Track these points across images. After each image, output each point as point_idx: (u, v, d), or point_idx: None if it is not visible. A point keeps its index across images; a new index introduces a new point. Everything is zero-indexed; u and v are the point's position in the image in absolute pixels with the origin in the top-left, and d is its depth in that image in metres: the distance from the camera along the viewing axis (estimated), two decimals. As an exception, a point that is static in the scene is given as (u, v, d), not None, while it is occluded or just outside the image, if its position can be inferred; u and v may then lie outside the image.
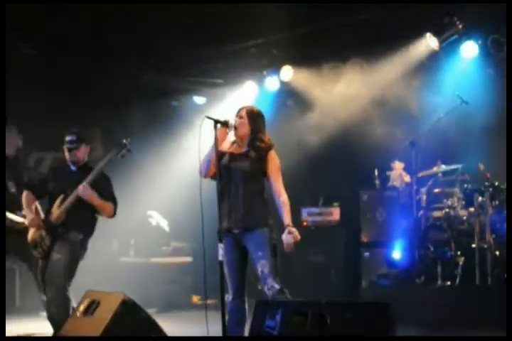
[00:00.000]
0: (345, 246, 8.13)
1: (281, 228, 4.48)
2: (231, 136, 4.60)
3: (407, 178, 7.65)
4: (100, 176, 5.26)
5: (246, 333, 4.18)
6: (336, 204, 8.31)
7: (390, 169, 7.93)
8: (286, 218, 4.44)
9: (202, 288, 4.79)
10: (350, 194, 8.13)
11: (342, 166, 8.34)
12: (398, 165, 7.84)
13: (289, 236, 4.39)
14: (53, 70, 8.53)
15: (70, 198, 5.17)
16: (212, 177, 4.50)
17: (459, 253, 6.64)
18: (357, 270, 7.77)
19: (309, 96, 8.51)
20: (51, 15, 7.31)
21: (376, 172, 7.89)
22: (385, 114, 7.95)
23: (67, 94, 8.91)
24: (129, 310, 4.54)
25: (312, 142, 8.50)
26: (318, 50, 8.21)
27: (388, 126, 7.91)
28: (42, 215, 5.41)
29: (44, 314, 5.31)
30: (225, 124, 4.45)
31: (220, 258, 4.21)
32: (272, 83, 8.87)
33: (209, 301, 5.13)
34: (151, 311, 4.99)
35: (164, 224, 7.62)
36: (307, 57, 8.38)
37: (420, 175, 7.25)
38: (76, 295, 5.14)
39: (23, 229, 5.46)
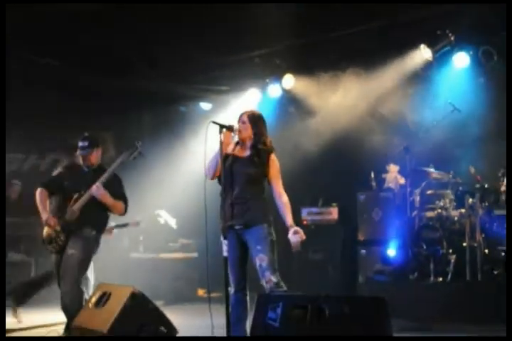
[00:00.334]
0: (343, 244, 8.10)
1: (283, 227, 4.47)
2: (235, 138, 4.60)
3: (402, 180, 7.63)
4: (113, 177, 5.25)
5: (248, 325, 4.16)
6: (334, 204, 8.30)
7: (386, 172, 7.92)
8: (289, 218, 4.43)
9: (207, 281, 4.78)
10: (348, 195, 8.11)
11: (340, 169, 8.32)
12: (393, 168, 7.83)
13: (296, 236, 4.37)
14: (72, 79, 8.62)
15: (84, 197, 5.17)
16: (219, 179, 4.51)
17: (450, 251, 6.63)
18: (354, 266, 7.74)
19: (309, 103, 8.51)
20: (72, 32, 7.39)
21: (372, 175, 7.87)
22: (381, 121, 7.93)
23: (83, 100, 8.97)
24: (138, 302, 4.54)
25: (311, 147, 8.48)
26: (318, 60, 8.22)
27: (384, 132, 7.90)
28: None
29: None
30: (230, 129, 4.47)
31: (225, 253, 4.20)
32: (274, 90, 8.87)
33: (213, 294, 5.13)
34: (158, 303, 4.97)
35: (172, 222, 7.61)
36: (307, 66, 8.39)
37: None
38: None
39: None
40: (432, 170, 7.13)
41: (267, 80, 8.86)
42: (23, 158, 9.56)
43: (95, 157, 5.37)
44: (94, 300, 4.78)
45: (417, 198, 7.21)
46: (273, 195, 4.52)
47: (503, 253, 6.38)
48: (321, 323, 3.59)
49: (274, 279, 4.33)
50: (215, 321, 4.34)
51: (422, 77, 7.87)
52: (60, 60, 8.19)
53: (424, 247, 6.78)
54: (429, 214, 7.06)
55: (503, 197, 6.57)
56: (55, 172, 5.84)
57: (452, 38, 7.40)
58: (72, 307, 5.02)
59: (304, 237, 4.39)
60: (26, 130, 8.84)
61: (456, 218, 6.83)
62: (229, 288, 4.28)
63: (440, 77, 7.81)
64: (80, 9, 6.92)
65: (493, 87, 7.49)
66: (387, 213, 7.68)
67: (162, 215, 7.48)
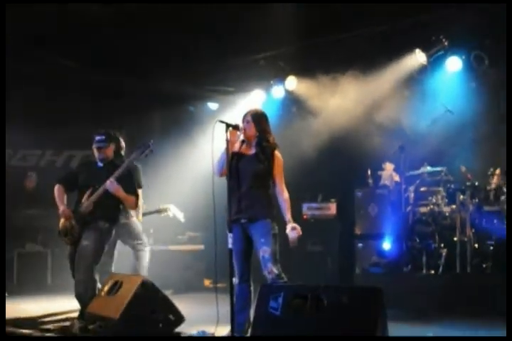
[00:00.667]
0: (340, 237, 8.10)
1: (284, 221, 4.48)
2: (241, 137, 4.60)
3: (397, 178, 7.62)
4: (125, 172, 5.26)
5: (252, 313, 4.18)
6: (333, 200, 8.29)
7: (382, 169, 7.90)
8: (287, 214, 4.47)
9: (213, 272, 4.79)
10: (346, 191, 8.10)
11: (339, 167, 8.32)
12: (389, 166, 7.82)
13: (293, 231, 4.41)
14: (90, 81, 8.69)
15: (98, 191, 5.18)
16: (227, 176, 4.51)
17: (442, 245, 6.63)
18: (351, 259, 7.73)
19: (310, 104, 8.49)
20: (86, 33, 7.40)
21: (369, 172, 7.85)
22: (378, 121, 7.92)
23: (98, 100, 9.00)
24: (147, 290, 4.56)
25: (312, 145, 8.46)
26: (319, 62, 8.20)
27: (380, 133, 7.89)
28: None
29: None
30: (236, 127, 4.49)
31: (230, 246, 4.22)
32: (277, 91, 8.85)
33: (219, 284, 5.13)
34: (167, 292, 4.99)
35: (180, 216, 7.59)
36: (309, 69, 8.37)
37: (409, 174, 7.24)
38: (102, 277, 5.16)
39: None
40: (426, 168, 7.13)
41: (271, 82, 8.84)
42: (40, 154, 9.58)
43: (110, 151, 5.39)
44: (106, 288, 4.80)
45: (411, 195, 7.22)
46: (275, 191, 4.53)
47: (491, 248, 6.38)
48: (320, 312, 3.61)
49: (275, 270, 4.36)
50: (221, 309, 4.36)
51: (416, 79, 7.86)
52: (77, 61, 8.21)
53: (418, 241, 6.78)
54: (423, 209, 7.06)
55: (492, 195, 6.58)
56: (70, 169, 5.85)
57: (446, 43, 7.39)
58: (85, 295, 5.04)
59: (301, 233, 4.43)
60: (43, 128, 8.87)
61: (447, 214, 6.83)
62: (233, 279, 4.29)
63: (434, 80, 7.79)
64: (91, 10, 6.95)
65: (484, 90, 7.48)
66: (382, 209, 7.67)
67: (171, 209, 7.46)
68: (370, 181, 7.87)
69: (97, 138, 5.34)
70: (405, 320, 5.38)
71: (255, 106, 8.53)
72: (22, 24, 6.89)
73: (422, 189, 7.19)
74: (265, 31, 7.02)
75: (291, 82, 8.58)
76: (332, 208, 8.25)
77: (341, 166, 8.30)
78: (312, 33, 7.35)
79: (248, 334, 4.23)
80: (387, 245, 7.29)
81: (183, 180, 8.82)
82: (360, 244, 7.76)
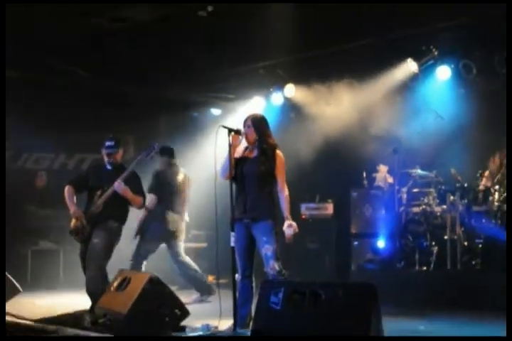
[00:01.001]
0: (337, 236, 8.08)
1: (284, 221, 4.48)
2: (244, 143, 4.60)
3: (391, 179, 7.62)
4: (132, 174, 5.26)
5: (253, 308, 4.17)
6: (330, 200, 8.27)
7: (376, 171, 7.90)
8: (286, 212, 4.49)
9: (216, 269, 4.77)
10: (342, 192, 8.09)
11: (335, 169, 8.30)
12: (383, 168, 7.81)
13: (290, 229, 4.42)
14: (100, 89, 8.74)
15: (108, 192, 5.18)
16: (232, 179, 4.50)
17: (433, 243, 6.63)
18: (347, 256, 7.72)
19: (308, 110, 8.48)
20: (97, 43, 7.44)
21: (364, 174, 7.85)
22: (372, 126, 7.91)
23: (108, 107, 9.03)
24: (155, 286, 4.54)
25: (310, 149, 8.45)
26: (317, 71, 8.20)
27: (374, 137, 7.88)
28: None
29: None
30: (238, 132, 4.48)
31: (232, 244, 4.24)
32: (277, 98, 8.83)
33: (222, 280, 5.11)
34: (173, 288, 4.97)
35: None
36: (307, 77, 8.37)
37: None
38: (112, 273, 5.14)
39: None
40: (417, 171, 7.12)
41: (271, 89, 8.84)
42: (53, 157, 9.60)
43: (119, 155, 5.40)
44: (115, 284, 4.78)
45: (404, 195, 7.21)
46: (276, 189, 4.53)
47: (480, 246, 6.37)
48: (318, 306, 3.59)
49: (277, 267, 4.36)
50: (223, 304, 4.35)
51: (408, 87, 7.85)
52: (89, 70, 8.25)
53: (410, 239, 6.78)
54: (415, 209, 7.06)
55: (480, 195, 6.56)
56: (81, 171, 5.85)
57: (436, 53, 7.40)
58: (95, 291, 5.03)
59: (297, 230, 4.44)
60: (56, 133, 8.89)
61: (438, 213, 6.82)
62: (236, 275, 4.29)
63: (425, 88, 7.79)
64: (102, 24, 6.98)
65: (473, 97, 7.48)
66: (377, 209, 7.68)
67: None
68: (365, 182, 7.87)
69: (107, 143, 5.34)
70: (397, 315, 5.35)
71: (255, 112, 8.55)
72: (40, 34, 6.94)
73: (415, 190, 7.19)
74: (265, 42, 7.03)
75: (290, 90, 8.57)
76: (329, 208, 8.24)
77: (338, 168, 8.28)
78: (309, 44, 7.37)
79: (249, 328, 4.22)
80: (381, 243, 7.28)
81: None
82: (355, 242, 7.75)
